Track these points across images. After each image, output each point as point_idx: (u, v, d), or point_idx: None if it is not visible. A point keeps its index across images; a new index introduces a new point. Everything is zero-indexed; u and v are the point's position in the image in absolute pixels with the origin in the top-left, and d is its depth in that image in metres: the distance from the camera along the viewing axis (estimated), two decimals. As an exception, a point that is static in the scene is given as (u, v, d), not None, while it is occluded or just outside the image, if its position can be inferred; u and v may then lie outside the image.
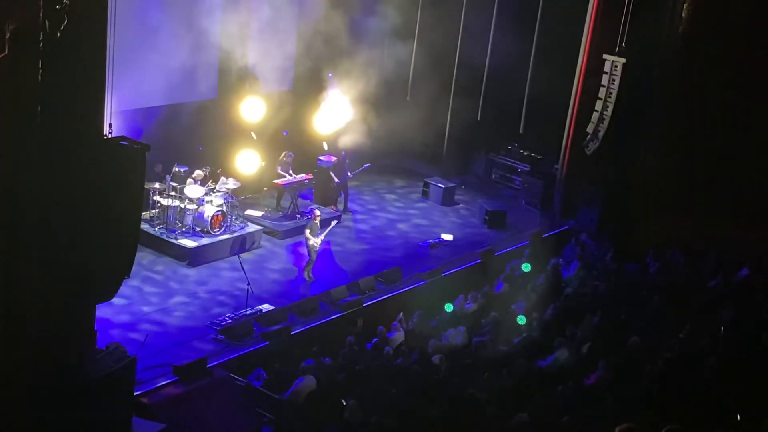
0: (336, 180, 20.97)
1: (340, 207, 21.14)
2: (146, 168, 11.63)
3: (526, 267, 18.04)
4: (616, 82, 20.50)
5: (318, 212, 17.88)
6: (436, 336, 15.37)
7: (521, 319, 15.63)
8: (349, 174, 21.16)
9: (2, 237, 10.21)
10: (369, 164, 21.70)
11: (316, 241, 17.34)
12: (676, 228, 19.21)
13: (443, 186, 22.62)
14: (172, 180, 18.10)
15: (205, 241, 17.90)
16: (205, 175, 18.47)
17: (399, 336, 15.53)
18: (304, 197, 20.90)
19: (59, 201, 10.50)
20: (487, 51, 22.82)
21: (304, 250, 18.02)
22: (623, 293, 17.07)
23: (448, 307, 16.41)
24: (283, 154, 20.40)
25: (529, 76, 22.48)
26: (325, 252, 18.71)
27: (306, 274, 17.53)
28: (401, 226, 21.09)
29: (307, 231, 17.48)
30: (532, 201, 22.99)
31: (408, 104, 23.30)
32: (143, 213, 16.22)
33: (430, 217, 21.80)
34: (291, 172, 20.30)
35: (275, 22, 20.00)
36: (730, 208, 19.88)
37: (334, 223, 18.44)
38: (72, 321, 11.18)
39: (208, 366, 14.13)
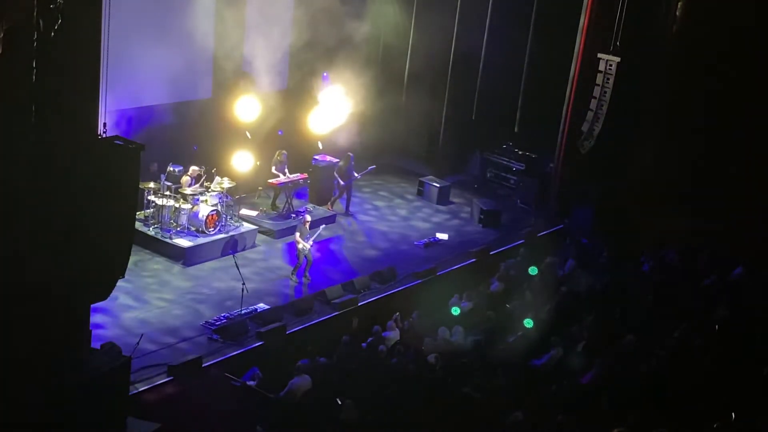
0: (342, 182, 20.96)
1: (338, 208, 21.11)
2: (141, 167, 11.64)
3: (532, 270, 17.96)
4: (611, 81, 20.57)
5: (308, 217, 17.86)
6: (431, 335, 15.36)
7: (528, 323, 15.42)
8: (356, 175, 21.13)
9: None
10: (374, 166, 21.66)
11: (305, 245, 17.30)
12: (671, 227, 19.24)
13: (438, 185, 22.62)
14: (166, 179, 18.08)
15: (200, 240, 17.88)
16: (199, 174, 18.44)
17: (394, 335, 15.54)
18: (299, 196, 20.90)
19: (54, 201, 10.49)
20: (482, 50, 22.82)
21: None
22: (618, 292, 17.09)
23: (455, 311, 16.28)
24: (277, 153, 20.36)
25: (524, 74, 22.49)
26: (321, 251, 18.71)
27: (292, 276, 17.50)
28: (396, 225, 21.08)
29: (297, 234, 17.45)
30: (526, 200, 22.99)
31: (403, 103, 23.27)
32: (138, 213, 16.18)
33: (424, 216, 21.80)
34: (286, 171, 20.28)
35: (270, 22, 19.97)
36: (724, 207, 19.93)
37: (321, 227, 18.40)
38: (67, 321, 11.18)
39: (203, 366, 14.13)
